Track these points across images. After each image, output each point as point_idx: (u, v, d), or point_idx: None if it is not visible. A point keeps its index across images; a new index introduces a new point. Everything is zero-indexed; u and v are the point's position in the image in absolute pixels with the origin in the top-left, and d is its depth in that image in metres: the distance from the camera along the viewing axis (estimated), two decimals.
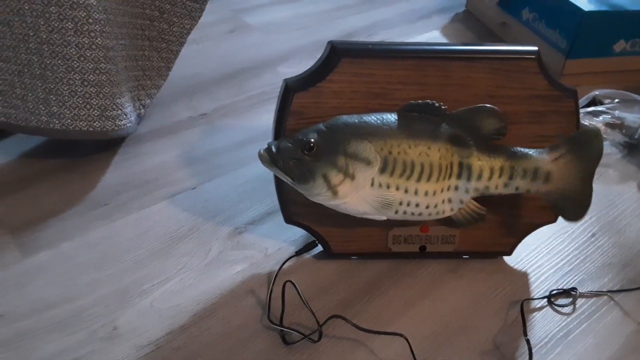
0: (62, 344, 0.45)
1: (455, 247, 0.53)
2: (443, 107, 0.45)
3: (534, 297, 0.52)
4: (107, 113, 0.59)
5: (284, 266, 0.53)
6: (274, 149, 0.44)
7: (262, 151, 0.44)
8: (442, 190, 0.46)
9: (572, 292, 0.52)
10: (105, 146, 0.67)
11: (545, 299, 0.52)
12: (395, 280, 0.53)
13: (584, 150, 0.46)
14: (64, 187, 0.61)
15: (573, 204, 0.47)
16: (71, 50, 0.55)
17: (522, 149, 0.47)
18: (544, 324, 0.50)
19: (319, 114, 0.47)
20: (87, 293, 0.50)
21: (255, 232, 0.57)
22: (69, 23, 0.54)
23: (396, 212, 0.46)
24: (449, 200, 0.46)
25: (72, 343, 0.46)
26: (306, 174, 0.44)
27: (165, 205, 0.59)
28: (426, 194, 0.45)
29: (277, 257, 0.54)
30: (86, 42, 0.55)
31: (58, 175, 0.62)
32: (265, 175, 0.64)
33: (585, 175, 0.47)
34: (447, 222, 0.50)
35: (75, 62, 0.56)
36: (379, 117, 0.45)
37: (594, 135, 0.46)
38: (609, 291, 0.53)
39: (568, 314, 0.51)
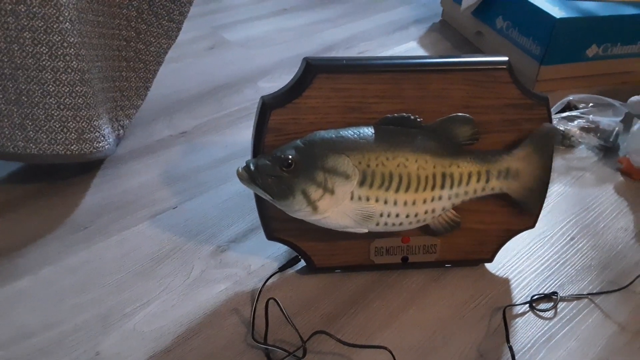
0: None
1: (437, 256, 0.54)
2: (419, 119, 0.46)
3: (516, 303, 0.52)
4: (84, 136, 0.58)
5: (268, 283, 0.53)
6: (252, 167, 0.44)
7: (240, 170, 0.44)
8: (424, 201, 0.46)
9: (553, 297, 0.53)
10: (84, 169, 0.66)
11: (527, 305, 0.52)
12: (379, 292, 0.53)
13: (544, 145, 0.49)
14: (43, 211, 0.60)
15: (534, 196, 0.50)
16: (46, 75, 0.55)
17: (494, 151, 0.48)
18: (526, 329, 0.50)
19: (297, 130, 0.47)
20: (69, 318, 0.49)
21: (238, 250, 0.57)
22: (44, 48, 0.54)
23: (377, 224, 0.47)
24: (432, 210, 0.47)
25: None
26: (285, 191, 0.44)
27: (146, 226, 0.59)
28: (405, 203, 0.46)
29: (261, 274, 0.54)
30: (61, 65, 0.55)
31: (37, 200, 0.62)
32: (247, 191, 0.64)
33: (545, 168, 0.49)
34: (428, 231, 0.51)
35: (50, 86, 0.55)
36: (355, 131, 0.45)
37: (552, 132, 0.49)
38: (589, 294, 0.54)
39: (550, 319, 0.51)
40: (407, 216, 0.47)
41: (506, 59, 0.49)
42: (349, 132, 0.45)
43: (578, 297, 0.53)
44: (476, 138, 0.47)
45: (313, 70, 0.46)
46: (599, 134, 0.73)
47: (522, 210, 0.51)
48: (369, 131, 0.45)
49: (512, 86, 0.48)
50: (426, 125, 0.46)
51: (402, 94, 0.47)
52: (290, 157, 0.44)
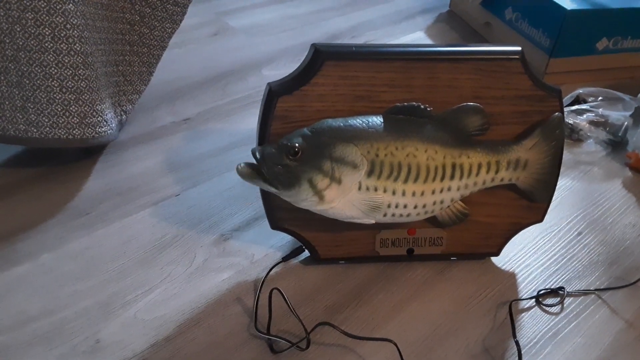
0: (43, 359, 0.44)
1: (443, 249, 0.53)
2: (429, 109, 0.45)
3: (522, 298, 0.52)
4: (86, 120, 0.58)
5: (271, 272, 0.52)
6: (258, 156, 0.43)
7: (240, 166, 0.43)
8: (433, 192, 0.46)
9: (560, 292, 0.52)
10: (86, 154, 0.65)
11: (534, 299, 0.52)
12: (384, 285, 0.52)
13: (552, 135, 0.48)
14: (43, 196, 0.59)
15: (543, 186, 0.50)
16: (49, 57, 0.54)
17: (504, 142, 0.47)
18: (532, 324, 0.50)
19: (303, 118, 0.46)
20: (69, 305, 0.48)
21: (241, 239, 0.56)
22: (47, 29, 0.53)
23: (384, 214, 0.46)
24: (441, 202, 0.47)
25: (54, 357, 0.44)
26: (292, 180, 0.43)
27: (148, 213, 0.58)
28: (414, 194, 0.45)
29: (264, 263, 0.54)
30: (64, 48, 0.54)
31: (37, 184, 0.61)
32: None
33: (554, 158, 0.49)
34: (435, 223, 0.50)
35: (53, 68, 0.54)
36: (364, 120, 0.44)
37: (559, 121, 0.48)
38: (596, 290, 0.53)
39: (556, 314, 0.51)
40: (415, 207, 0.46)
41: (519, 49, 0.47)
42: (358, 121, 0.44)
43: (585, 292, 0.53)
44: (486, 128, 0.46)
45: (322, 56, 0.45)
46: (607, 128, 0.72)
47: (531, 202, 0.51)
48: (378, 120, 0.45)
49: (525, 77, 0.47)
50: (436, 115, 0.45)
51: (411, 83, 0.46)
52: (296, 145, 0.43)
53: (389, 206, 0.45)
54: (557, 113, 0.48)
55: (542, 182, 0.49)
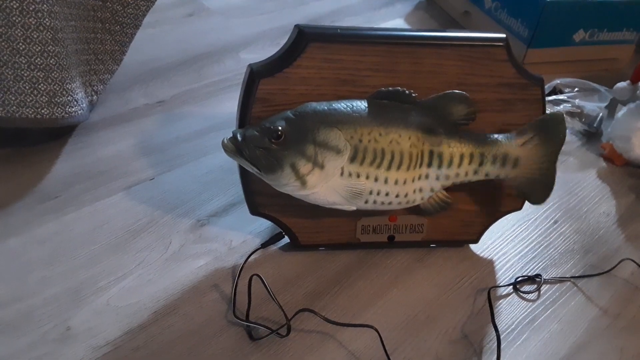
0: (11, 347, 0.42)
1: (423, 236, 0.53)
2: (413, 94, 0.44)
3: (500, 285, 0.52)
4: (56, 99, 0.55)
5: (250, 259, 0.51)
6: (239, 138, 0.42)
7: (226, 140, 0.42)
8: (412, 180, 0.45)
9: (537, 279, 0.53)
10: (55, 135, 0.62)
11: (511, 286, 0.52)
12: (364, 271, 0.52)
13: (549, 134, 0.47)
14: (10, 179, 0.56)
15: (538, 187, 0.48)
16: (16, 32, 0.51)
17: (491, 135, 0.47)
18: (510, 310, 0.50)
19: (286, 101, 0.45)
20: (38, 292, 0.46)
21: (219, 224, 0.55)
22: (14, 2, 0.50)
23: (366, 201, 0.45)
24: (420, 190, 0.46)
25: (22, 346, 0.42)
26: (274, 164, 0.42)
27: (121, 198, 0.56)
28: (396, 182, 0.45)
29: (242, 250, 0.52)
30: (33, 22, 0.51)
31: (3, 166, 0.58)
32: (229, 164, 0.61)
33: (550, 159, 0.47)
34: (416, 211, 0.50)
35: (20, 44, 0.51)
36: (348, 104, 0.44)
37: (559, 120, 0.47)
38: (572, 277, 0.54)
39: (533, 301, 0.51)
40: (397, 195, 0.45)
41: (504, 36, 0.47)
42: (342, 105, 0.43)
43: (561, 280, 0.53)
44: (472, 118, 0.45)
45: (306, 38, 0.44)
46: (583, 119, 0.73)
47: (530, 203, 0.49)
48: (362, 105, 0.44)
49: (508, 64, 0.47)
50: (420, 101, 0.45)
51: (396, 68, 0.46)
52: (280, 128, 0.42)
53: (370, 193, 0.45)
54: (558, 110, 0.47)
55: (537, 183, 0.47)
